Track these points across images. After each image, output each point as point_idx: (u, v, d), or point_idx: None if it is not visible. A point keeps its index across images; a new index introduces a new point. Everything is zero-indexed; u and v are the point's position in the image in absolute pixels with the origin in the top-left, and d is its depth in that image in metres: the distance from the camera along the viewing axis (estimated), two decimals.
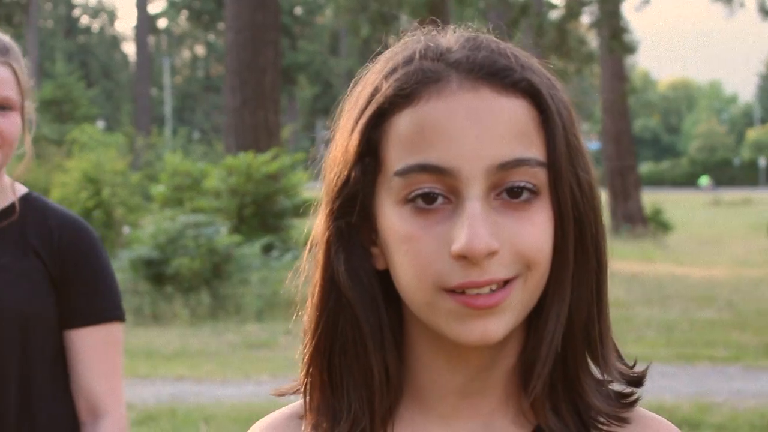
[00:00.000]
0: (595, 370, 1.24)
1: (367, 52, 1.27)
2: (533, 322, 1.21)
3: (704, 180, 68.25)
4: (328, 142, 1.27)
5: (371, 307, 1.22)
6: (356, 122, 1.20)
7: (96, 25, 78.58)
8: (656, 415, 1.29)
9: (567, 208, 1.18)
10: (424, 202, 1.15)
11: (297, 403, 1.30)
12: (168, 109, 60.87)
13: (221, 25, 58.73)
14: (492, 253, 1.13)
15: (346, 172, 1.21)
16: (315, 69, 58.20)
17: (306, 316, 1.26)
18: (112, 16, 79.09)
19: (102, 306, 2.69)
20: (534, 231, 1.16)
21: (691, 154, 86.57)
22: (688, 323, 13.68)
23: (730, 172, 78.25)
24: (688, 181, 75.30)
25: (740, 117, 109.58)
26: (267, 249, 16.03)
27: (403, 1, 20.75)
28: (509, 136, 1.15)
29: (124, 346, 2.79)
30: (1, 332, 2.58)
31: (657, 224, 30.74)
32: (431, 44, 1.20)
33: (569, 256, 1.19)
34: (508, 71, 1.17)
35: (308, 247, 1.27)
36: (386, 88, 1.18)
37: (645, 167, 75.99)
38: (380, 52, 1.26)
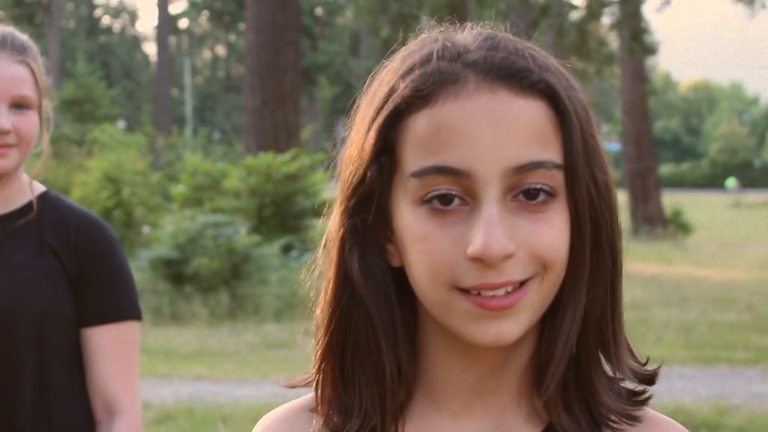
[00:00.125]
0: (608, 368, 1.24)
1: (388, 53, 1.27)
2: (548, 321, 1.21)
3: (731, 182, 67.88)
4: (344, 140, 1.26)
5: (385, 305, 1.22)
6: (373, 121, 1.20)
7: (117, 26, 78.76)
8: (666, 417, 1.29)
9: (584, 209, 1.18)
10: (440, 204, 1.15)
11: (308, 396, 1.31)
12: (188, 109, 60.96)
13: (242, 26, 58.81)
14: (508, 256, 1.13)
15: (362, 171, 1.20)
16: (335, 70, 58.22)
17: (318, 312, 1.26)
18: (133, 17, 79.27)
19: (119, 305, 2.69)
20: (551, 232, 1.15)
21: (712, 156, 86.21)
22: (707, 325, 13.63)
23: (751, 174, 77.84)
24: (709, 182, 74.99)
25: (761, 119, 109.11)
26: (286, 249, 16.04)
27: (423, 1, 20.75)
28: (526, 138, 1.14)
29: (143, 345, 2.80)
30: (18, 331, 2.59)
31: (677, 226, 30.63)
32: (448, 44, 1.19)
33: (585, 257, 1.19)
34: (525, 72, 1.16)
35: (322, 243, 1.27)
36: (403, 88, 1.17)
37: (665, 169, 75.72)
38: (395, 50, 1.25)
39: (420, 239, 1.16)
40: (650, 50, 25.48)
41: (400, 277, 1.22)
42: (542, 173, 1.15)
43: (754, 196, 59.88)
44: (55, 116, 2.74)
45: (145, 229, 19.19)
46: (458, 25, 1.25)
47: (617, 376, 1.24)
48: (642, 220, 30.81)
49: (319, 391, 1.27)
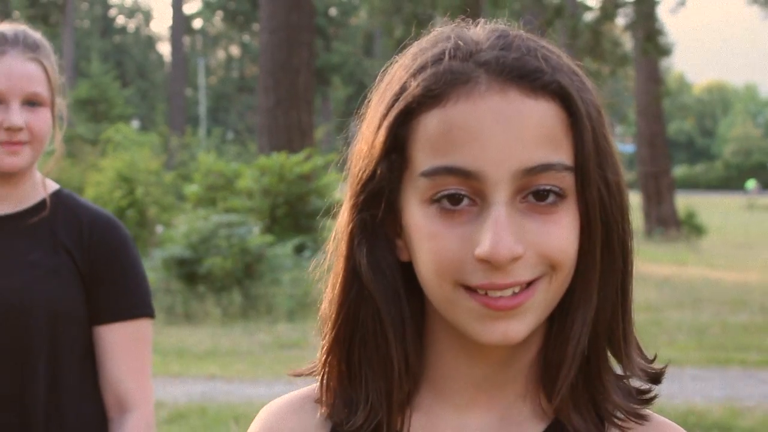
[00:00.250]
0: (615, 365, 1.24)
1: (399, 48, 1.27)
2: (556, 319, 1.21)
3: (751, 183, 67.60)
4: (354, 135, 1.26)
5: (393, 300, 1.22)
6: (384, 118, 1.20)
7: (132, 25, 78.91)
8: (670, 421, 1.29)
9: (594, 211, 1.17)
10: (449, 203, 1.15)
11: (312, 386, 1.31)
12: (202, 109, 61.04)
13: (256, 26, 58.85)
14: (516, 258, 1.13)
15: (371, 167, 1.20)
16: (349, 70, 58.22)
17: (326, 305, 1.27)
18: (147, 17, 79.40)
19: (131, 302, 2.70)
20: (560, 233, 1.15)
21: (726, 158, 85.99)
22: (720, 327, 13.60)
23: (765, 176, 77.63)
24: (723, 184, 74.84)
25: None
26: (299, 249, 16.04)
27: (437, 1, 20.76)
28: (536, 140, 1.14)
29: (155, 345, 2.80)
30: (30, 329, 2.59)
31: (690, 228, 30.57)
32: (461, 43, 1.19)
33: (596, 258, 1.19)
34: (538, 73, 1.16)
35: (332, 237, 1.27)
36: (414, 87, 1.17)
37: (679, 170, 75.57)
38: (408, 45, 1.25)
39: (428, 237, 1.16)
40: (664, 51, 25.44)
41: (409, 272, 1.22)
42: (552, 175, 1.15)
43: (767, 198, 59.67)
44: (70, 116, 2.75)
45: (159, 229, 19.22)
46: (471, 21, 1.24)
47: (626, 373, 1.24)
48: (655, 221, 30.76)
49: (325, 384, 1.27)
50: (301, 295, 14.47)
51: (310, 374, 1.30)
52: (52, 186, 2.73)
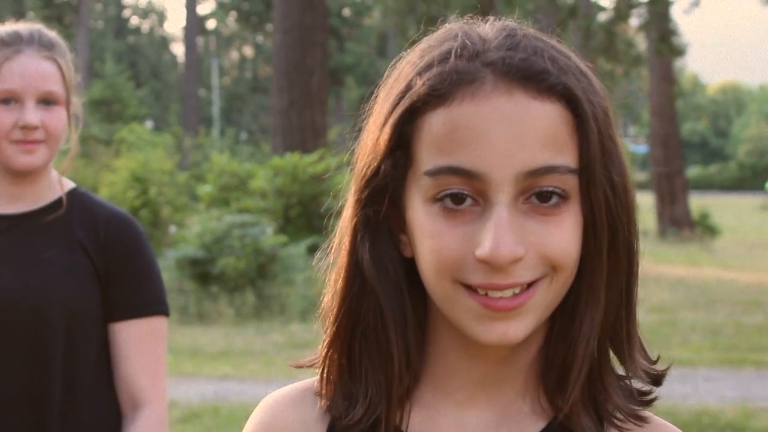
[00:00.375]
0: (617, 365, 1.25)
1: (408, 44, 1.27)
2: (558, 318, 1.21)
3: None
4: (360, 130, 1.27)
5: (395, 295, 1.23)
6: (389, 115, 1.20)
7: (146, 26, 79.00)
8: (669, 423, 1.29)
9: (600, 213, 1.17)
10: (452, 203, 1.16)
11: (313, 378, 1.31)
12: (216, 109, 61.09)
13: (269, 27, 58.89)
14: (517, 260, 1.13)
15: (376, 164, 1.21)
16: (362, 70, 58.21)
17: (328, 299, 1.27)
18: (161, 17, 79.48)
19: (146, 300, 2.70)
20: (562, 235, 1.16)
21: (740, 158, 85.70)
22: (734, 328, 13.56)
23: None
24: (737, 185, 74.59)
25: None
26: (312, 249, 16.04)
27: (450, 2, 20.75)
28: (541, 142, 1.14)
29: (169, 344, 2.80)
30: (46, 327, 2.59)
31: (704, 228, 30.47)
32: (468, 42, 1.19)
33: (603, 261, 1.19)
34: (544, 74, 1.16)
35: (336, 230, 1.28)
36: (420, 86, 1.17)
37: (693, 171, 75.31)
38: (416, 41, 1.25)
39: (430, 236, 1.17)
40: (678, 52, 25.38)
41: (412, 267, 1.22)
42: (555, 177, 1.15)
43: None
44: (83, 116, 2.75)
45: (172, 229, 19.24)
46: (480, 18, 1.24)
47: (628, 374, 1.24)
48: (669, 222, 30.68)
49: (325, 377, 1.27)
50: (314, 295, 14.42)
51: (311, 366, 1.30)
52: (68, 184, 2.74)
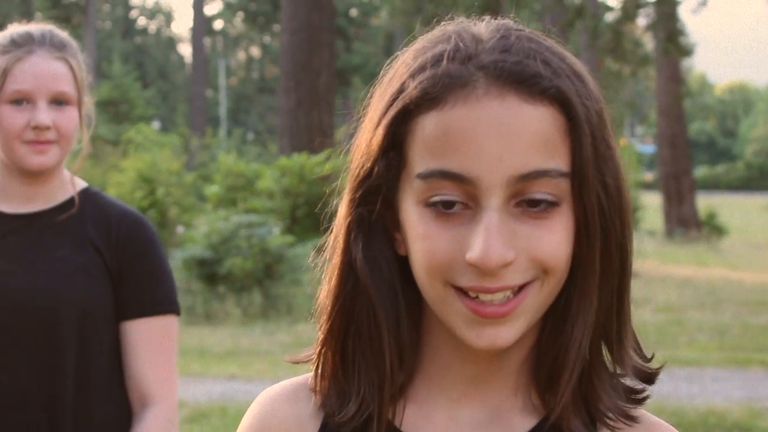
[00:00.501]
0: (609, 363, 1.25)
1: (404, 42, 1.27)
2: (550, 319, 1.22)
3: None
4: (356, 129, 1.27)
5: (388, 294, 1.23)
6: (382, 116, 1.20)
7: (153, 27, 79.04)
8: (662, 421, 1.29)
9: (593, 217, 1.17)
10: (443, 207, 1.16)
11: (308, 374, 1.33)
12: (223, 110, 61.12)
13: (277, 27, 58.92)
14: (507, 264, 1.14)
15: (369, 164, 1.22)
16: (370, 71, 58.17)
17: (322, 297, 1.28)
18: (168, 18, 79.51)
19: (158, 299, 2.71)
20: (552, 239, 1.16)
21: (748, 158, 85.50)
22: (741, 328, 13.55)
23: None
24: (744, 185, 74.41)
25: None
26: (319, 250, 16.03)
27: (458, 2, 20.73)
28: (532, 146, 1.14)
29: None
30: (59, 326, 2.60)
31: (711, 228, 30.43)
32: (461, 44, 1.18)
33: (595, 264, 1.19)
34: (536, 78, 1.15)
35: (331, 229, 1.29)
36: (412, 89, 1.17)
37: (700, 171, 75.16)
38: (413, 39, 1.25)
39: (422, 237, 1.17)
40: (686, 52, 25.34)
41: (408, 265, 1.22)
42: (546, 182, 1.15)
43: None
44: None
45: (179, 229, 19.25)
46: (476, 17, 1.24)
47: (618, 372, 1.25)
48: (676, 222, 30.64)
49: (319, 374, 1.29)
50: None
51: (307, 361, 1.31)
52: (81, 184, 2.75)
